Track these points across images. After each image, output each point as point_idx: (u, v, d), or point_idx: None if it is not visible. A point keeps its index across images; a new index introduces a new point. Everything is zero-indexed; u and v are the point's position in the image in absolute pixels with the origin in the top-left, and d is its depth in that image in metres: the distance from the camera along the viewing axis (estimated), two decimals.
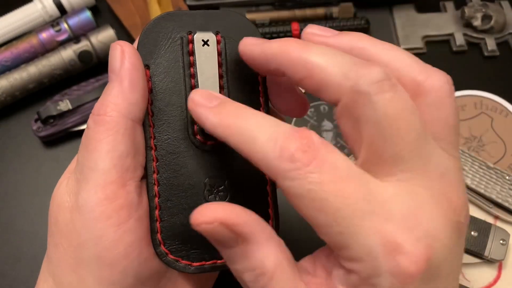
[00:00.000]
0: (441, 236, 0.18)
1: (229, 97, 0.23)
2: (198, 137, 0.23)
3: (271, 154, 0.18)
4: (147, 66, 0.23)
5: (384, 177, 0.19)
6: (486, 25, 0.46)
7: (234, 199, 0.23)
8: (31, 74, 0.43)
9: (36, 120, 0.42)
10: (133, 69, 0.22)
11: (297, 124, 0.43)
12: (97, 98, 0.42)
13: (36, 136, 0.42)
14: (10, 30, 0.46)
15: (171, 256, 0.22)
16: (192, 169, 0.23)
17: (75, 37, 0.45)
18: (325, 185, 0.17)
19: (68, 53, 0.43)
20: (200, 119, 0.21)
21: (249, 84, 0.24)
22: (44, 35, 0.44)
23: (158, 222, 0.22)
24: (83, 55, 0.43)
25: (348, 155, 0.42)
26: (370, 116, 0.19)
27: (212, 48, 0.23)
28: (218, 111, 0.20)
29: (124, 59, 0.22)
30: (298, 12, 0.47)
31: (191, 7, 0.48)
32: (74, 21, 0.45)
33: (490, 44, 0.46)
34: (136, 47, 0.23)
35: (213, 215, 0.19)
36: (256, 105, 0.24)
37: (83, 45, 0.43)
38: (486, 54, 0.46)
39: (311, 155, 0.18)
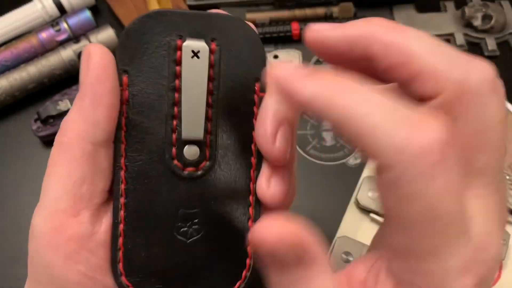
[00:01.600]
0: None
1: (217, 117, 0.20)
2: (176, 162, 0.20)
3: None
4: (125, 72, 0.20)
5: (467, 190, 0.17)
6: (486, 25, 0.46)
7: (208, 238, 0.21)
8: (30, 74, 0.43)
9: (36, 120, 0.42)
10: (97, 83, 0.19)
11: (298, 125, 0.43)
12: None
13: (36, 136, 0.42)
14: (10, 30, 0.46)
15: None
16: (165, 198, 0.20)
17: (75, 37, 0.45)
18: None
19: (68, 53, 0.43)
20: (292, 89, 0.17)
21: (243, 104, 0.21)
22: (44, 35, 0.44)
23: (121, 251, 0.20)
24: None
25: (348, 155, 0.42)
26: (474, 118, 0.17)
27: (203, 61, 0.20)
28: (315, 78, 0.17)
29: (88, 69, 0.19)
30: (298, 12, 0.47)
31: (191, 7, 0.48)
32: (74, 21, 0.45)
33: (491, 44, 0.46)
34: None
35: (279, 230, 0.17)
36: (247, 127, 0.21)
37: (83, 45, 0.43)
38: (486, 54, 0.46)
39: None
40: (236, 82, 0.21)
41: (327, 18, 0.47)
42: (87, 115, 0.19)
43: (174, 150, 0.20)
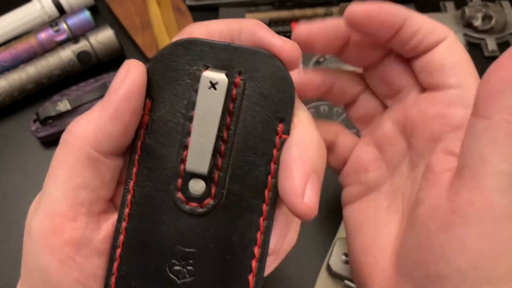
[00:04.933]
0: None
1: (231, 154, 0.19)
2: (179, 194, 0.20)
3: None
4: (150, 97, 0.20)
5: None
6: (486, 25, 0.46)
7: (201, 283, 0.19)
8: (30, 74, 0.43)
9: (35, 121, 0.42)
10: (124, 99, 0.19)
11: None
12: (96, 99, 0.42)
13: (35, 137, 0.42)
14: (9, 30, 0.45)
15: None
16: (163, 230, 0.20)
17: (74, 37, 0.45)
18: None
19: (67, 54, 0.43)
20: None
21: (261, 144, 0.19)
22: (43, 35, 0.44)
23: (114, 277, 0.20)
24: (82, 56, 0.43)
25: None
26: None
27: (219, 93, 0.19)
28: None
29: (122, 84, 0.19)
30: (297, 12, 0.47)
31: (190, 7, 0.48)
32: (73, 21, 0.45)
33: (491, 44, 0.46)
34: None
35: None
36: (262, 169, 0.19)
37: (82, 45, 0.43)
38: (486, 54, 0.46)
39: None
40: (257, 120, 0.19)
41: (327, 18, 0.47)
42: (101, 126, 0.19)
43: (180, 181, 0.20)
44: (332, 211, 0.39)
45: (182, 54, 0.20)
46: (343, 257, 0.34)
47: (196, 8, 0.48)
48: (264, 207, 0.19)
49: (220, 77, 0.19)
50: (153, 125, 0.20)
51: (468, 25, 0.46)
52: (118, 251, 0.20)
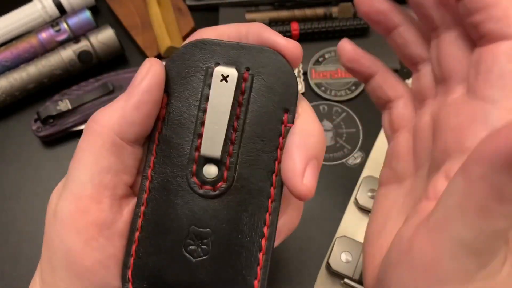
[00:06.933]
0: None
1: (241, 141, 0.21)
2: (194, 178, 0.21)
3: None
4: (167, 93, 0.22)
5: None
6: None
7: (215, 261, 0.21)
8: (30, 74, 0.43)
9: (35, 120, 0.42)
10: (147, 91, 0.21)
11: None
12: (96, 98, 0.42)
13: (36, 136, 0.42)
14: (10, 30, 0.46)
15: None
16: (179, 212, 0.21)
17: (74, 37, 0.45)
18: None
19: (67, 53, 0.43)
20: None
21: (269, 132, 0.21)
22: (43, 35, 0.44)
23: (132, 258, 0.21)
24: (82, 55, 0.43)
25: (347, 155, 0.42)
26: None
27: (230, 85, 0.21)
28: None
29: (145, 78, 0.21)
30: (297, 12, 0.47)
31: (190, 7, 0.48)
32: (73, 21, 0.45)
33: None
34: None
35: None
36: (270, 155, 0.21)
37: (83, 45, 0.43)
38: None
39: None
40: (265, 110, 0.21)
41: (327, 18, 0.47)
42: (125, 115, 0.21)
43: (194, 167, 0.21)
44: (332, 210, 0.39)
45: (195, 53, 0.22)
46: (343, 256, 0.35)
47: (197, 8, 0.48)
48: (272, 190, 0.21)
49: (231, 71, 0.21)
50: (170, 117, 0.22)
51: None
52: (137, 233, 0.21)
